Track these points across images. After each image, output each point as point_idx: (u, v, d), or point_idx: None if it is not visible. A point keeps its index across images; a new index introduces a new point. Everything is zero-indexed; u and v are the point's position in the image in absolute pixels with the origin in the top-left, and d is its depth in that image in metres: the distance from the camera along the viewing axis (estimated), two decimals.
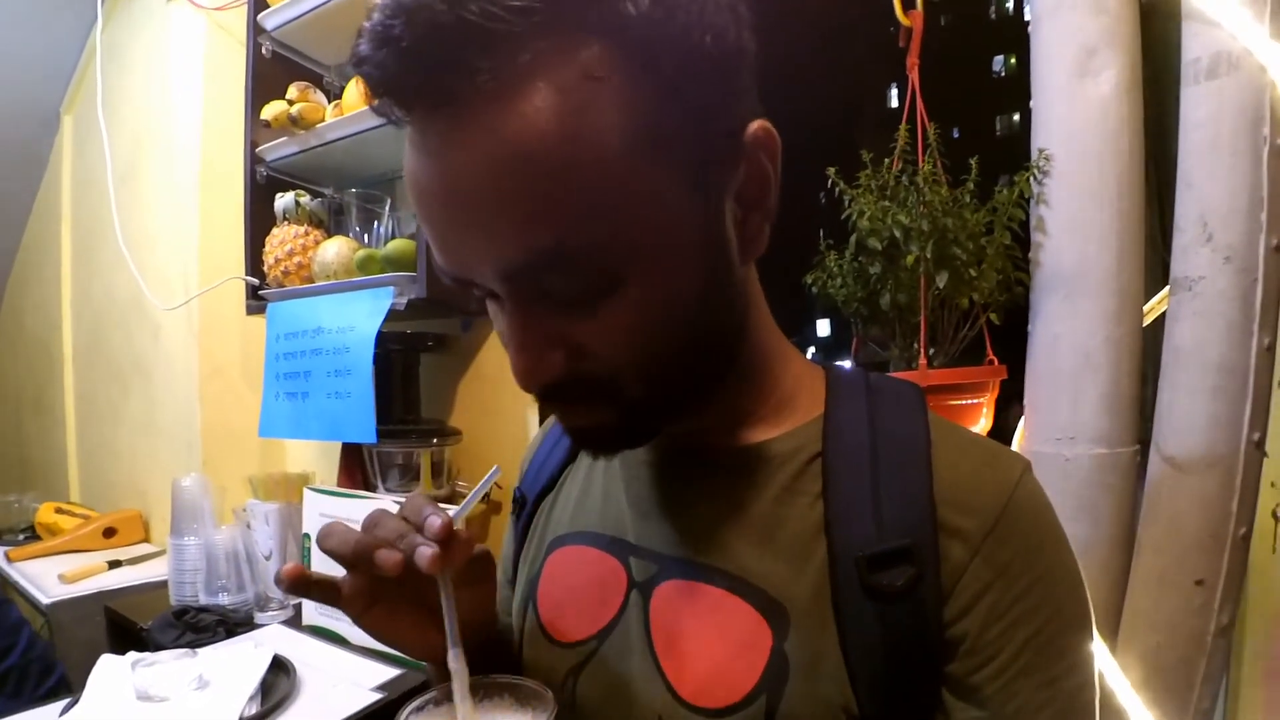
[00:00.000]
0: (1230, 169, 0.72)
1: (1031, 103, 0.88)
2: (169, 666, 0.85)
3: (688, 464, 0.43)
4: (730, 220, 0.35)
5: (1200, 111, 0.75)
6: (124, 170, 1.64)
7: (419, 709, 0.37)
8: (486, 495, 1.13)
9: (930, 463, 0.37)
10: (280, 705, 0.82)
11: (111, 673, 0.85)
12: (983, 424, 0.92)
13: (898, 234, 0.88)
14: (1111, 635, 0.84)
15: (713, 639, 0.39)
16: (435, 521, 0.35)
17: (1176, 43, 0.77)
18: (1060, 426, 0.84)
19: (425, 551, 0.34)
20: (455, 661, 0.36)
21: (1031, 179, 0.86)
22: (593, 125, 0.29)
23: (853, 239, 0.96)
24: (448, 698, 0.36)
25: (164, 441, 1.65)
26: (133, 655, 0.87)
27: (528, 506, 0.53)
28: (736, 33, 0.32)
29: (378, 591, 0.39)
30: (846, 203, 0.96)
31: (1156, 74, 0.84)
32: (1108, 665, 0.86)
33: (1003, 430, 0.97)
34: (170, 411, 1.61)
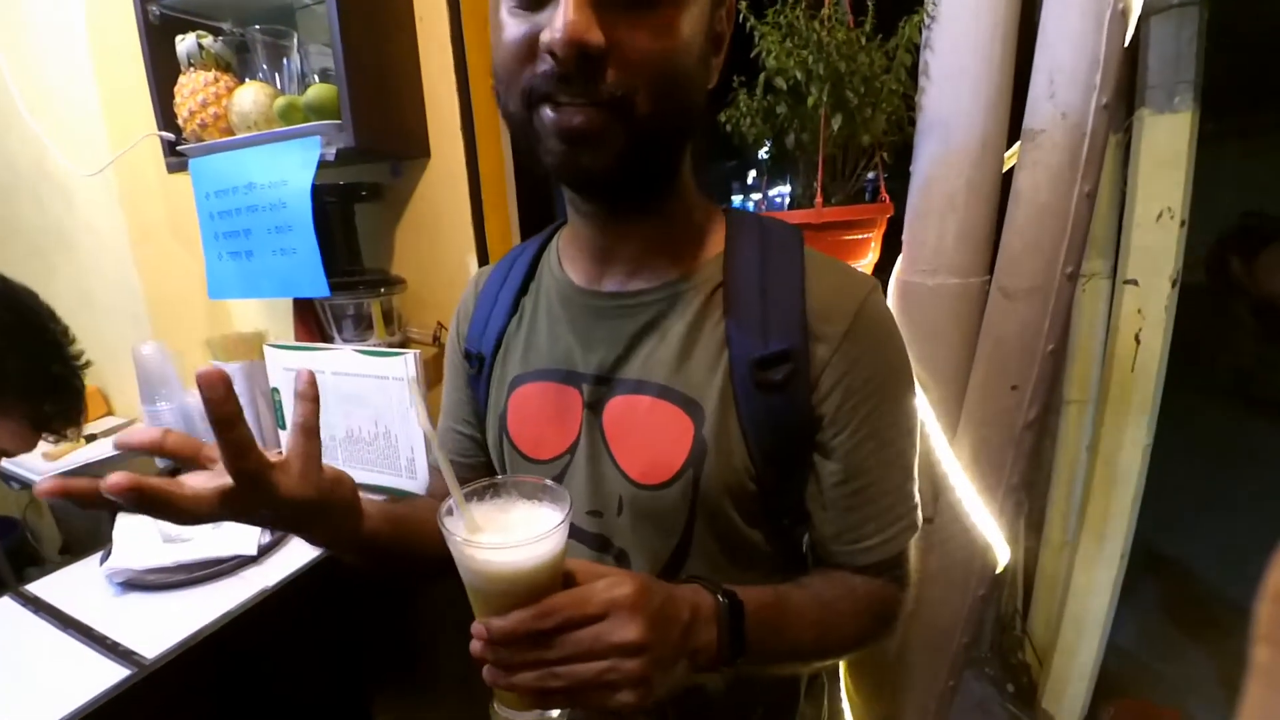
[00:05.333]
0: (1079, 31, 0.85)
1: None
2: None
3: (620, 303, 0.56)
4: (710, 42, 0.49)
5: None
6: None
7: (449, 512, 0.43)
8: (436, 339, 1.31)
9: (804, 288, 0.52)
10: (286, 534, 1.02)
11: (133, 525, 0.99)
12: (871, 258, 1.10)
13: (800, 76, 0.98)
14: (952, 428, 1.13)
15: (651, 435, 0.54)
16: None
17: None
18: (926, 259, 1.04)
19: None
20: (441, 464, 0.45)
21: (921, 25, 0.97)
22: None
23: (762, 78, 1.05)
24: (476, 496, 0.45)
25: (104, 313, 1.69)
26: None
27: (487, 361, 0.65)
28: None
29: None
30: (756, 39, 1.03)
31: None
32: (945, 451, 1.16)
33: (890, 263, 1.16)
34: (104, 281, 1.65)
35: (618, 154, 0.45)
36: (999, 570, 1.24)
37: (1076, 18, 0.86)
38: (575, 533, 0.58)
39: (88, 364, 1.07)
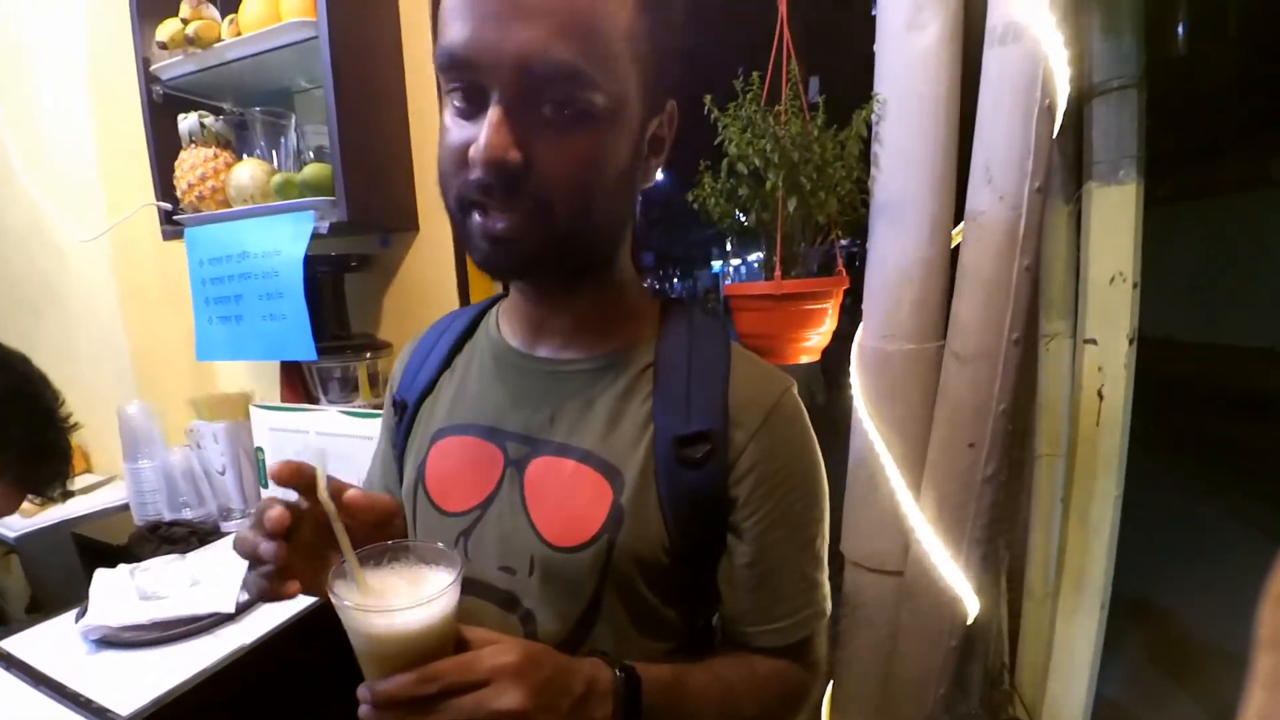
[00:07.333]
0: (1009, 124, 0.96)
1: (875, 47, 1.09)
2: (164, 570, 1.02)
3: (553, 369, 0.59)
4: (644, 148, 0.53)
5: (993, 71, 0.97)
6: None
7: (338, 574, 0.43)
8: None
9: (728, 377, 0.56)
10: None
11: (110, 582, 1.00)
12: (828, 325, 1.17)
13: (759, 163, 1.08)
14: (916, 485, 1.20)
15: (570, 498, 0.55)
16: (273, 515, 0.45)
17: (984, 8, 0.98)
18: (884, 326, 1.13)
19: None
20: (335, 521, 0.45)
21: (870, 118, 1.08)
22: (627, 9, 0.46)
23: (725, 162, 1.15)
24: (372, 559, 0.46)
25: (89, 369, 1.71)
26: (126, 566, 1.02)
27: (410, 409, 0.67)
28: (682, 39, 0.53)
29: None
30: (720, 129, 1.14)
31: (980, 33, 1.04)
32: (911, 506, 1.22)
33: (847, 330, 1.25)
34: (90, 338, 1.68)
35: (535, 253, 0.50)
36: (969, 621, 1.28)
37: (1006, 114, 0.96)
38: (485, 590, 0.58)
39: (76, 426, 1.11)
